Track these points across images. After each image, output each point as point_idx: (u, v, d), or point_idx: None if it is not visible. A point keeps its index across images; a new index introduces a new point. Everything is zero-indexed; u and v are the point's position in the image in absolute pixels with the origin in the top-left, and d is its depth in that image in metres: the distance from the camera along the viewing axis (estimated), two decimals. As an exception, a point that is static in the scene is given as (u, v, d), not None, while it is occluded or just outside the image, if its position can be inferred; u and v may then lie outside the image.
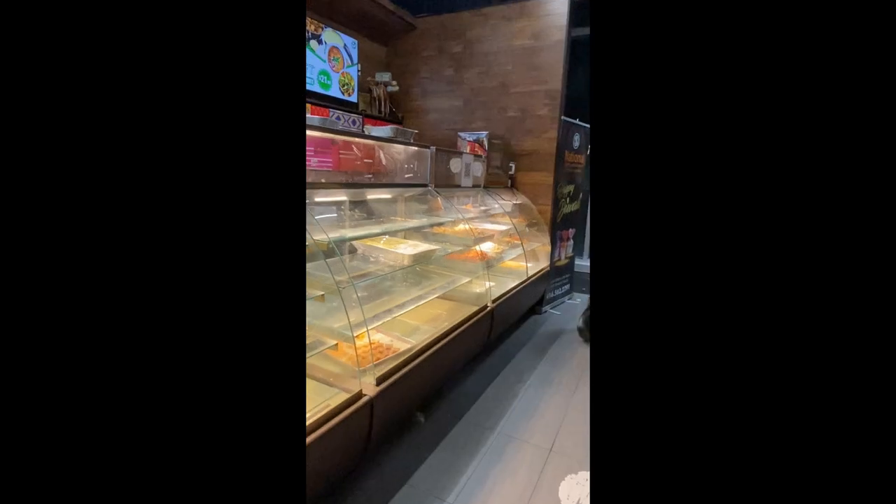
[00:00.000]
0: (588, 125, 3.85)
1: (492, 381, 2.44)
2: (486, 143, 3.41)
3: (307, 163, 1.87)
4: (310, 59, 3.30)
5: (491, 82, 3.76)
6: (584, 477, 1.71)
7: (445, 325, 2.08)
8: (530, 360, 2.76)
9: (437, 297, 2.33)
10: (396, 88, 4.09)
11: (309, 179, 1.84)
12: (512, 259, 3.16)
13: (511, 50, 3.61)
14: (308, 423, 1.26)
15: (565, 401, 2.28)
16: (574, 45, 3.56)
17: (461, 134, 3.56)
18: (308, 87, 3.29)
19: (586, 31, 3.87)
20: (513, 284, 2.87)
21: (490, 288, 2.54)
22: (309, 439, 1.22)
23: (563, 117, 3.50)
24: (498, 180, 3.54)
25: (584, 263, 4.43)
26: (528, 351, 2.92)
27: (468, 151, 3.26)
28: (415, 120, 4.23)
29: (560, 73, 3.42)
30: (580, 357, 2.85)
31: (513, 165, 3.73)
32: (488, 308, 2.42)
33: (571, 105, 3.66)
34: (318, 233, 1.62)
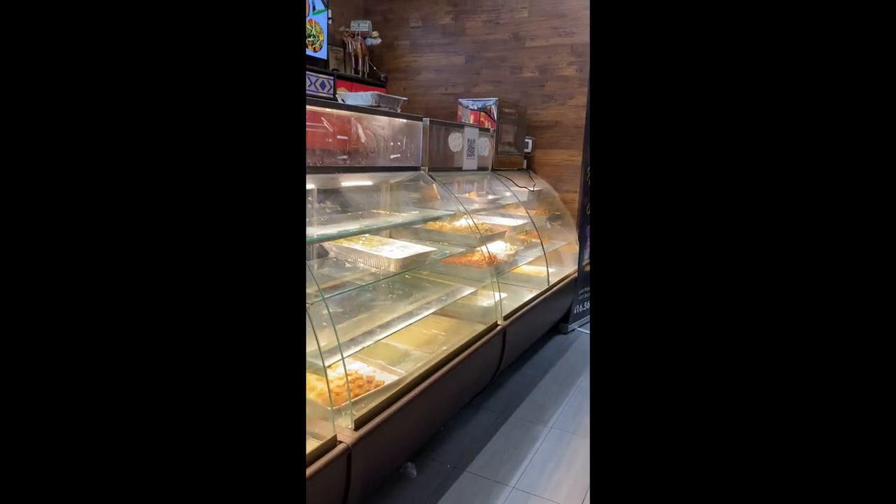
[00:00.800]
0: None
1: (504, 422, 2.45)
2: (494, 112, 3.41)
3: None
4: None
5: (501, 33, 3.77)
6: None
7: (444, 350, 2.09)
8: (554, 394, 2.77)
9: (433, 314, 2.34)
10: (378, 41, 4.09)
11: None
12: (529, 263, 3.17)
13: (527, -8, 3.62)
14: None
15: (599, 447, 2.29)
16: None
17: (463, 101, 3.56)
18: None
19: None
20: (530, 296, 2.88)
21: (501, 301, 2.54)
22: None
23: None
24: (510, 161, 3.55)
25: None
26: (550, 382, 2.93)
27: (472, 123, 3.26)
28: (403, 82, 4.24)
29: (589, 22, 3.42)
30: (618, 389, 2.86)
31: (529, 142, 3.74)
32: (499, 327, 2.43)
33: (605, 63, 3.67)
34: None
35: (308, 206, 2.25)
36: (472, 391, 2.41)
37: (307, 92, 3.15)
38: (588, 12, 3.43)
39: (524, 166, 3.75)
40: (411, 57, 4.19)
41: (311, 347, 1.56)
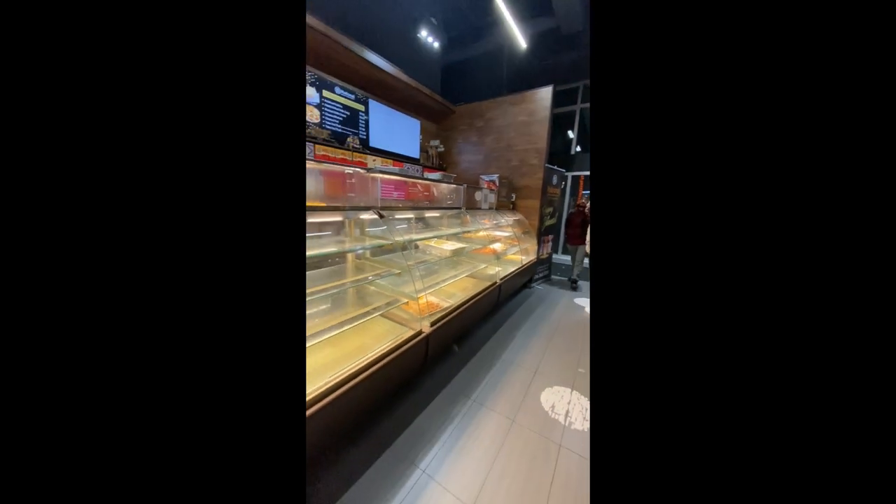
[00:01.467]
0: (562, 169, 3.70)
1: (498, 329, 2.41)
2: (497, 182, 3.35)
3: (391, 195, 1.92)
4: (391, 131, 3.37)
5: (501, 144, 3.69)
6: (556, 390, 1.67)
7: (471, 293, 2.07)
8: (522, 317, 2.70)
9: (466, 276, 2.32)
10: (442, 149, 4.10)
11: (390, 205, 1.89)
12: (512, 254, 3.09)
13: (514, 123, 3.52)
14: (390, 347, 1.30)
15: (546, 342, 2.23)
16: (555, 119, 3.42)
17: (482, 176, 3.53)
18: (395, 150, 3.37)
19: (562, 109, 3.70)
20: (513, 269, 2.80)
21: (498, 271, 2.50)
22: (391, 357, 1.27)
23: (546, 165, 3.38)
24: (504, 205, 3.47)
25: (558, 257, 4.27)
26: (521, 311, 2.85)
27: (486, 187, 3.22)
28: (453, 168, 4.22)
29: (545, 137, 3.30)
30: (557, 315, 2.76)
31: (514, 195, 3.65)
32: (497, 283, 2.37)
33: (552, 157, 3.53)
34: (397, 236, 1.66)
35: (409, 225, 2.28)
36: (483, 314, 2.36)
37: (411, 174, 3.18)
38: (545, 134, 3.30)
39: (511, 207, 3.66)
40: (458, 157, 4.17)
41: (411, 288, 1.59)
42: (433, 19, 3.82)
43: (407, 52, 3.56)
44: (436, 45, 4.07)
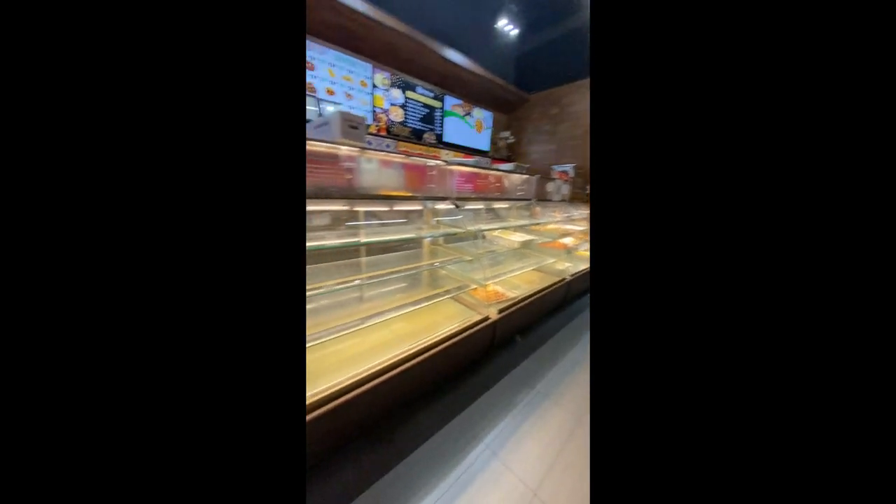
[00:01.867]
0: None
1: (565, 325, 2.26)
2: (570, 172, 3.08)
3: (463, 187, 1.96)
4: (464, 126, 3.40)
5: (578, 131, 3.35)
6: (631, 398, 1.50)
7: (538, 287, 1.99)
8: (593, 317, 2.47)
9: (532, 269, 2.23)
10: (512, 140, 3.96)
11: (462, 197, 1.93)
12: (584, 249, 2.83)
13: (596, 107, 3.15)
14: (459, 328, 1.36)
15: (619, 347, 2.00)
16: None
17: (554, 167, 3.29)
18: (465, 143, 3.41)
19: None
20: (584, 267, 2.55)
21: (568, 267, 2.33)
22: (461, 336, 1.33)
23: (633, 152, 2.94)
24: (579, 196, 3.18)
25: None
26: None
27: (558, 178, 3.00)
28: (524, 159, 4.04)
29: (634, 120, 2.86)
30: (632, 320, 2.43)
31: (588, 186, 3.30)
32: (566, 280, 2.22)
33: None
34: (468, 225, 1.70)
35: (479, 215, 2.31)
36: (549, 309, 2.26)
37: (482, 166, 3.17)
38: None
39: (586, 200, 3.32)
40: (528, 147, 3.96)
41: (480, 275, 1.62)
42: (513, 6, 3.64)
43: (484, 44, 3.48)
44: (513, 32, 3.87)
